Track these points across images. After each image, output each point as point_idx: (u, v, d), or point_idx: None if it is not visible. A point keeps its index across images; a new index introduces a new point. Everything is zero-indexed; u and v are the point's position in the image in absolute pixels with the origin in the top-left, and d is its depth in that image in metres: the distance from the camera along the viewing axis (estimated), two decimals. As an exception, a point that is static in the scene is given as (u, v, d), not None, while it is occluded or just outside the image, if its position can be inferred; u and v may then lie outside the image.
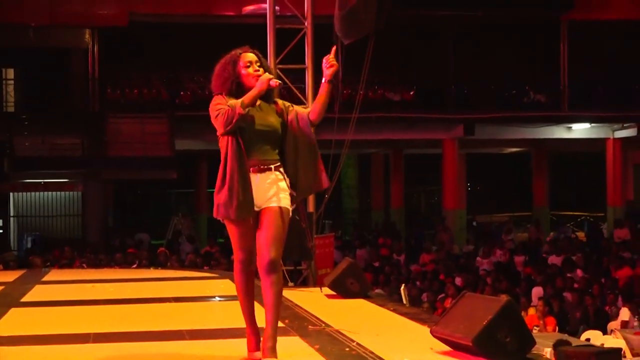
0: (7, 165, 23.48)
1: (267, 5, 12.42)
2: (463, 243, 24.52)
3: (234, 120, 5.39)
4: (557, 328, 13.55)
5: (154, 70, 25.45)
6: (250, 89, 5.54)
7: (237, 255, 5.59)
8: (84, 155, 23.73)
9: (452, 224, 25.45)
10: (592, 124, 26.17)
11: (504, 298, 6.46)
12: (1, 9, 23.29)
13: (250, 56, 5.68)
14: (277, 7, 12.40)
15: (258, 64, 5.65)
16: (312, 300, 8.91)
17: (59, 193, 28.00)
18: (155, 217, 32.14)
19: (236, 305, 8.80)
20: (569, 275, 18.05)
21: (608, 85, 25.93)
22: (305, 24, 12.38)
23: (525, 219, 29.93)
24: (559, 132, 26.47)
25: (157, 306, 8.75)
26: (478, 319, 5.41)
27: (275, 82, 5.58)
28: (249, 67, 5.61)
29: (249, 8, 23.61)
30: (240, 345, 5.76)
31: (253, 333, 5.62)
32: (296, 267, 12.05)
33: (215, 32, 24.77)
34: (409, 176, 29.70)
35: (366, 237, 24.82)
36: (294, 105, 5.83)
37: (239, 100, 5.44)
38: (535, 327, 13.14)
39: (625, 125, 25.93)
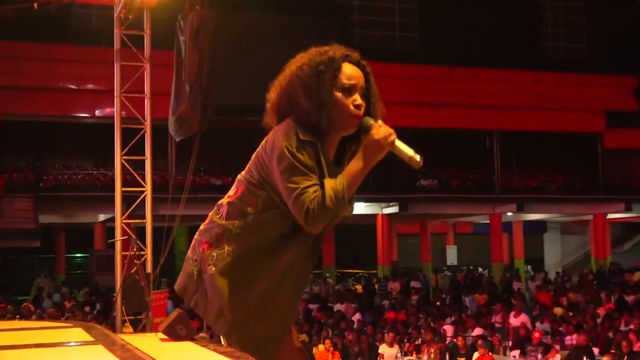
0: None
1: (114, 110, 12.24)
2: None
3: (329, 223, 2.52)
4: (341, 360, 13.67)
5: (22, 159, 24.64)
6: (338, 127, 2.56)
7: None
8: (-40, 227, 22.57)
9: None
10: (366, 203, 26.85)
11: (301, 339, 6.48)
12: None
13: (356, 74, 2.56)
14: (123, 111, 12.24)
15: (363, 90, 2.57)
16: (149, 343, 8.68)
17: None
18: (21, 278, 30.77)
19: (87, 349, 8.53)
20: (351, 318, 18.29)
21: (377, 174, 26.74)
22: (145, 124, 12.26)
23: (317, 275, 30.19)
24: (342, 209, 27.00)
25: (19, 352, 8.29)
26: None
27: (409, 152, 2.50)
28: (350, 93, 2.53)
29: (101, 111, 23.27)
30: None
31: None
32: (136, 317, 11.72)
33: (73, 129, 24.27)
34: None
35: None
36: None
37: (340, 183, 2.47)
38: (324, 360, 13.22)
39: (390, 204, 26.74)
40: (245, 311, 2.56)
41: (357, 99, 2.54)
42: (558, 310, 18.42)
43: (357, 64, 2.59)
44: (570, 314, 17.95)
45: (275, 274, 2.56)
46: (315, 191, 2.44)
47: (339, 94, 2.52)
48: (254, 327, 2.56)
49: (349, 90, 2.53)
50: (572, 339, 14.66)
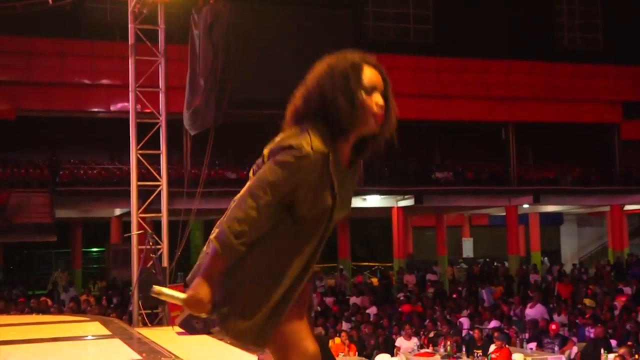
0: None
1: (130, 104, 12.28)
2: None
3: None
4: (357, 353, 13.67)
5: (38, 154, 24.75)
6: (360, 127, 2.63)
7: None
8: (-23, 223, 22.73)
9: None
10: (381, 196, 26.81)
11: (317, 332, 6.49)
12: None
13: (376, 76, 2.61)
14: (138, 105, 12.28)
15: (382, 92, 2.63)
16: (166, 337, 8.72)
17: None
18: (38, 272, 30.97)
19: (104, 342, 8.58)
20: (366, 311, 18.29)
21: (392, 167, 26.69)
22: (160, 119, 12.30)
23: (332, 268, 30.19)
24: (357, 202, 26.96)
25: (37, 345, 8.35)
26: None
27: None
28: (371, 92, 2.59)
29: (115, 106, 23.35)
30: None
31: None
32: (153, 311, 11.77)
33: (88, 123, 24.36)
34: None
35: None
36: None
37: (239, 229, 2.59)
38: (341, 354, 13.23)
39: (405, 197, 26.68)
40: (244, 298, 2.65)
41: (380, 99, 2.61)
42: (588, 302, 18.34)
43: (374, 67, 2.63)
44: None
45: (266, 262, 2.64)
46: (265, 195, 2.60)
47: (363, 94, 2.57)
48: (246, 313, 2.63)
49: (370, 92, 2.59)
50: (589, 331, 14.61)
